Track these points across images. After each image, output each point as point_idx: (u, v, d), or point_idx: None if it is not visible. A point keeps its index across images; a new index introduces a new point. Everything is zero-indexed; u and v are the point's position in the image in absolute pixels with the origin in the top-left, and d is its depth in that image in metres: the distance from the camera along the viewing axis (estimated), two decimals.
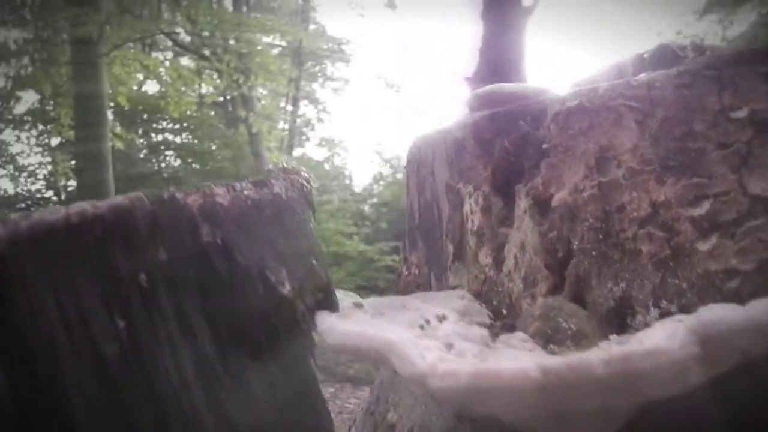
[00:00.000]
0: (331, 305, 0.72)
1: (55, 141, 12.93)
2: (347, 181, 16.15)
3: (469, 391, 0.55)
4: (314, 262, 0.71)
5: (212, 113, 14.53)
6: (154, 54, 12.34)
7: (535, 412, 0.56)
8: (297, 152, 16.30)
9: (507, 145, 0.96)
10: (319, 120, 17.41)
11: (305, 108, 17.24)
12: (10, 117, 12.06)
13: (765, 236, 0.73)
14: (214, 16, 10.22)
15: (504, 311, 0.92)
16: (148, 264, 0.64)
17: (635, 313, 0.78)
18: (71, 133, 9.80)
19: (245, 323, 0.65)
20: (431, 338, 0.64)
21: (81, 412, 0.63)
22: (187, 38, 10.84)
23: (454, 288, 1.01)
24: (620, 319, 0.79)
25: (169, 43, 11.71)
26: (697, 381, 0.58)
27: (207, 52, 10.82)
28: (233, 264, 0.65)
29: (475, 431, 0.94)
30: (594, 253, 0.82)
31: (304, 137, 17.50)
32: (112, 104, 10.73)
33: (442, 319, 0.71)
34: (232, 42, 11.00)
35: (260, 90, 13.71)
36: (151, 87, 13.41)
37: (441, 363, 0.57)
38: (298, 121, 16.52)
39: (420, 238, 1.16)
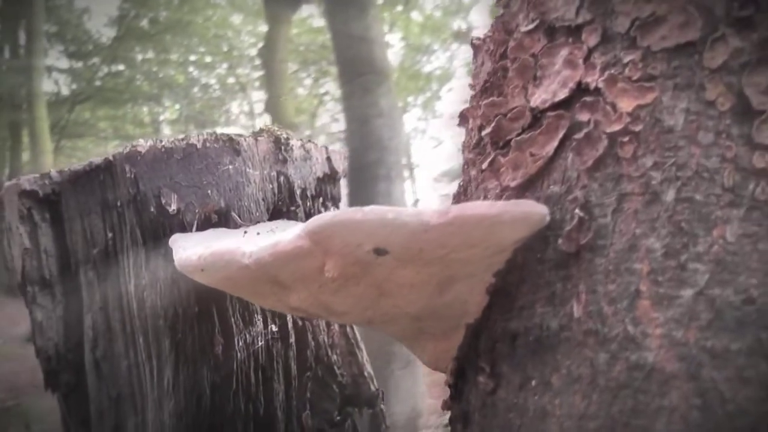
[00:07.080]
0: (228, 226, 0.95)
1: None
2: None
3: (197, 267, 0.75)
4: (210, 192, 0.95)
5: None
6: None
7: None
8: None
9: None
10: None
11: None
12: None
13: (536, 150, 0.67)
14: None
15: None
16: (120, 196, 1.00)
17: None
18: None
19: (149, 232, 0.97)
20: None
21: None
22: None
23: None
24: None
25: None
26: (333, 273, 0.64)
27: None
28: (137, 190, 0.96)
29: None
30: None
31: None
32: None
33: (271, 230, 0.86)
34: None
35: None
36: None
37: (195, 250, 0.78)
38: None
39: None
